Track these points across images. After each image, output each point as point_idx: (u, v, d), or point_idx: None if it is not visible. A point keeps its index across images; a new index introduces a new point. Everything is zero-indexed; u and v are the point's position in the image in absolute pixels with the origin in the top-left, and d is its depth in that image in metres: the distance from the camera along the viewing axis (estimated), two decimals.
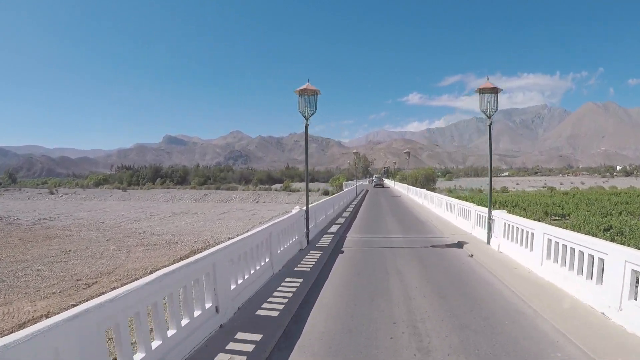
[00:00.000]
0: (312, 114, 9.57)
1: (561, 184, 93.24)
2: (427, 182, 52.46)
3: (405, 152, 37.94)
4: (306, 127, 9.69)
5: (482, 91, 9.51)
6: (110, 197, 57.94)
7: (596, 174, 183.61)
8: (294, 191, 67.56)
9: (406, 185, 36.04)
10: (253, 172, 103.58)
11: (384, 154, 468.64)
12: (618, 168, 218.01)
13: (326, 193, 51.64)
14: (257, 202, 45.26)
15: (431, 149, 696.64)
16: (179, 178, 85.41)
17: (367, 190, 43.91)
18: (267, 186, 75.81)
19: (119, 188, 70.97)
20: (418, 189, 28.43)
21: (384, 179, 65.49)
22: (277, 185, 77.83)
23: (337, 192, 35.84)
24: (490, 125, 9.90)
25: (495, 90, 9.44)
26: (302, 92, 9.40)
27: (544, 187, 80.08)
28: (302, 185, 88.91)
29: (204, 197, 51.09)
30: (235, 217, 30.92)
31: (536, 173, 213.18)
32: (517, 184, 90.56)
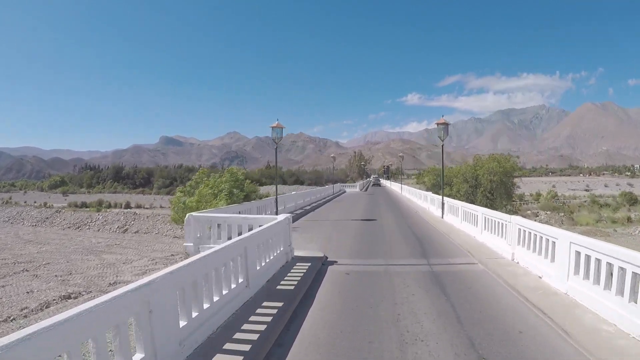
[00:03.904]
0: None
1: (606, 185, 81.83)
2: (503, 189, 24.02)
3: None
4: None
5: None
6: None
7: (616, 174, 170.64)
8: (264, 196, 60.44)
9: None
10: None
11: (382, 154, 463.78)
12: (637, 167, 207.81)
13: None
14: (126, 231, 19.78)
15: (430, 149, 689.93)
16: (142, 180, 78.94)
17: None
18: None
19: (66, 192, 64.60)
20: None
21: (381, 179, 75.99)
22: None
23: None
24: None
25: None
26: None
27: (587, 190, 68.68)
28: (279, 188, 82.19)
29: (54, 215, 27.13)
30: None
31: (548, 173, 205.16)
32: (553, 186, 76.20)
